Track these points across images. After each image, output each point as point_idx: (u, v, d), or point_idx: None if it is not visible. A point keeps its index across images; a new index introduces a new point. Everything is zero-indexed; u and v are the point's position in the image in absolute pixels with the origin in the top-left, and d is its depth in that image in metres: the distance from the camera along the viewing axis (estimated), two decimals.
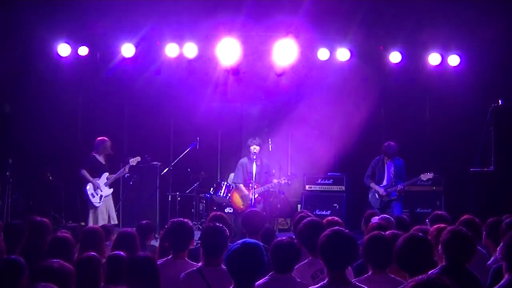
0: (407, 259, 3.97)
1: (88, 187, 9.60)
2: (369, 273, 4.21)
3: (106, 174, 9.74)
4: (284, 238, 4.51)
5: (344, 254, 3.78)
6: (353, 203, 10.91)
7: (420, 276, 2.79)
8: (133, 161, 9.96)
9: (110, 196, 9.82)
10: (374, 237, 4.28)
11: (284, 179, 9.95)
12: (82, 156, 10.34)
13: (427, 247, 4.03)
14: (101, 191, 9.63)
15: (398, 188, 9.55)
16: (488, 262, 4.94)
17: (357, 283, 3.88)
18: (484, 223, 5.50)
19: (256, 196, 9.67)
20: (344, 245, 3.78)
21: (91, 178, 9.61)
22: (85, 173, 9.65)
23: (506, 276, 3.89)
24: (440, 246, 4.29)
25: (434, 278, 2.77)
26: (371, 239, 4.26)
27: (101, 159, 9.77)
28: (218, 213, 6.55)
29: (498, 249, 4.26)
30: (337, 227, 4.25)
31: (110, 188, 9.79)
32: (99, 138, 9.81)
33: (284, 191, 11.05)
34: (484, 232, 5.40)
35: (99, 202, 9.58)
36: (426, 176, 9.50)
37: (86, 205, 9.73)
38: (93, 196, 9.59)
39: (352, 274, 4.57)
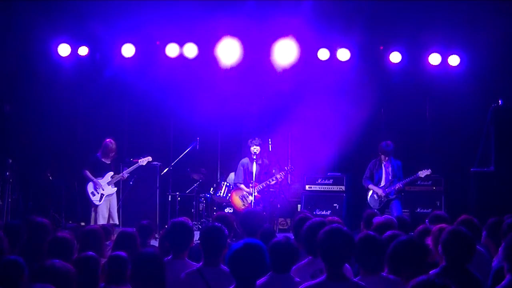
0: (399, 264, 3.96)
1: (88, 186, 9.65)
2: (360, 276, 4.18)
3: (110, 174, 9.77)
4: (281, 238, 4.50)
5: (341, 251, 3.77)
6: (353, 203, 10.91)
7: (421, 277, 2.80)
8: (143, 160, 9.98)
9: (114, 195, 9.83)
10: (365, 238, 4.24)
11: (282, 174, 9.98)
12: (82, 156, 10.33)
13: (420, 252, 4.02)
14: (103, 190, 9.65)
15: (396, 187, 9.55)
16: (493, 264, 4.92)
17: (354, 280, 3.87)
18: (484, 223, 5.49)
19: (255, 194, 9.72)
20: (342, 242, 3.77)
21: (92, 177, 9.65)
22: (87, 173, 9.71)
23: (507, 277, 3.89)
24: (439, 246, 4.28)
25: (434, 278, 2.77)
26: (361, 240, 4.22)
27: (105, 159, 9.81)
28: (223, 212, 6.56)
29: (499, 249, 4.25)
30: (336, 224, 4.25)
31: (114, 187, 9.81)
32: (106, 140, 9.85)
33: (284, 191, 11.06)
34: (484, 232, 5.39)
35: (99, 201, 9.61)
36: (424, 173, 9.48)
37: (88, 204, 9.76)
38: (93, 195, 9.62)
39: (351, 272, 4.57)
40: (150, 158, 10.08)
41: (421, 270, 3.82)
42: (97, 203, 9.61)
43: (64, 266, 3.76)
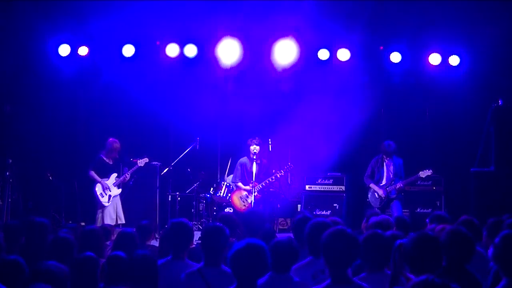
0: (416, 259, 3.92)
1: (97, 187, 9.67)
2: (365, 273, 4.21)
3: (114, 175, 9.81)
4: (283, 238, 4.51)
5: (346, 253, 3.77)
6: (353, 203, 10.91)
7: (421, 276, 2.80)
8: (141, 162, 9.99)
9: (118, 196, 9.86)
10: (371, 236, 4.27)
11: (282, 172, 9.97)
12: (82, 156, 10.33)
13: (437, 246, 4.00)
14: (110, 191, 9.69)
15: (397, 187, 9.56)
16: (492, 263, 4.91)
17: (359, 282, 3.87)
18: (484, 223, 5.49)
19: (255, 194, 9.73)
20: (346, 244, 3.77)
21: (99, 179, 9.68)
22: (93, 174, 9.74)
23: (503, 280, 3.88)
24: None
25: (434, 278, 2.77)
26: (367, 238, 4.25)
27: (108, 160, 9.83)
28: (226, 212, 6.57)
29: (488, 251, 4.24)
30: (340, 226, 4.25)
31: (118, 188, 9.83)
32: (109, 140, 9.86)
33: (284, 191, 11.06)
34: (485, 233, 5.38)
35: (108, 202, 9.65)
36: (425, 173, 9.51)
37: (95, 205, 9.79)
38: (102, 196, 9.66)
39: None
40: (147, 159, 10.10)
41: (438, 265, 3.81)
42: (106, 204, 9.65)
43: (59, 268, 3.77)
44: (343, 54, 11.05)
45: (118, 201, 9.86)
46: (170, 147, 12.06)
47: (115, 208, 9.76)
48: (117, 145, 9.86)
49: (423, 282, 2.76)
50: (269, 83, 11.51)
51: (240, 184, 10.15)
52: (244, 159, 10.18)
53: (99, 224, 9.42)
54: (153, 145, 11.66)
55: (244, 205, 9.94)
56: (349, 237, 3.80)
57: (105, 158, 9.82)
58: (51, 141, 11.49)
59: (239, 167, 10.22)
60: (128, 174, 9.92)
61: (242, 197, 10.07)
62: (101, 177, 9.72)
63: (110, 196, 9.69)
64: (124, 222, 9.85)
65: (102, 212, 9.67)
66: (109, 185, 9.70)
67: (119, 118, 11.94)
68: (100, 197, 9.66)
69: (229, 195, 10.53)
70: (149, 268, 3.99)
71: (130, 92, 11.66)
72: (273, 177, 9.99)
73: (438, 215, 6.24)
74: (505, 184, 8.83)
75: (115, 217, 9.72)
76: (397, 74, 11.23)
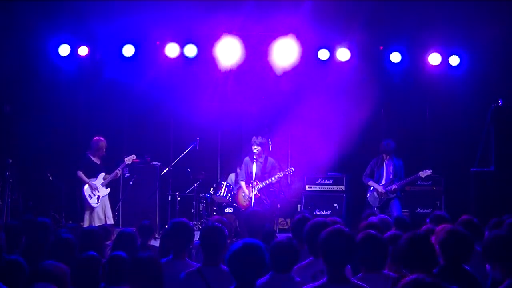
0: (410, 259, 3.94)
1: (85, 188, 9.59)
2: (361, 273, 4.21)
3: (102, 174, 9.74)
4: (283, 238, 4.51)
5: (343, 252, 3.77)
6: (353, 203, 10.91)
7: (411, 275, 2.80)
8: (129, 159, 9.94)
9: (107, 196, 9.81)
10: (366, 236, 4.27)
11: (279, 174, 9.95)
12: (79, 157, 10.36)
13: (429, 246, 4.01)
14: (98, 191, 9.62)
15: (393, 188, 9.58)
16: None
17: (355, 281, 3.88)
18: (485, 223, 5.50)
19: (255, 193, 9.73)
20: (344, 243, 3.77)
21: (87, 180, 9.60)
22: (81, 174, 9.66)
23: (507, 281, 3.87)
24: (437, 245, 4.29)
25: (424, 277, 2.76)
26: (363, 239, 4.25)
27: (95, 159, 9.77)
28: (217, 217, 6.61)
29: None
30: (338, 225, 4.25)
31: (107, 188, 9.79)
32: (94, 138, 9.82)
33: (284, 191, 11.06)
34: (487, 233, 5.38)
35: (97, 203, 9.57)
36: (424, 173, 9.52)
37: (83, 205, 9.74)
38: (91, 197, 9.57)
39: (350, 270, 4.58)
40: (134, 156, 10.05)
41: (431, 266, 3.81)
42: (95, 205, 9.56)
43: (58, 267, 3.77)
44: (343, 54, 11.05)
45: (106, 201, 9.76)
46: (170, 147, 12.07)
47: (104, 209, 9.69)
48: (102, 143, 9.78)
49: (413, 281, 2.75)
50: (269, 82, 11.51)
51: (242, 183, 10.13)
52: (247, 159, 10.18)
53: (87, 225, 9.37)
54: (153, 145, 11.67)
55: (245, 202, 9.99)
56: (347, 237, 3.80)
57: (92, 158, 9.78)
58: (51, 141, 11.48)
59: (243, 166, 10.23)
60: (118, 171, 9.87)
61: (244, 195, 10.11)
62: (90, 177, 9.66)
63: (99, 197, 9.61)
64: (112, 222, 9.78)
65: (91, 213, 9.59)
66: (97, 186, 9.64)
67: (119, 118, 11.95)
68: (88, 198, 9.56)
69: (229, 194, 10.55)
70: (153, 270, 3.99)
71: (130, 92, 11.66)
72: (274, 178, 9.97)
73: (438, 215, 6.25)
74: (505, 184, 8.82)
75: (103, 217, 9.62)
76: (397, 74, 11.23)
